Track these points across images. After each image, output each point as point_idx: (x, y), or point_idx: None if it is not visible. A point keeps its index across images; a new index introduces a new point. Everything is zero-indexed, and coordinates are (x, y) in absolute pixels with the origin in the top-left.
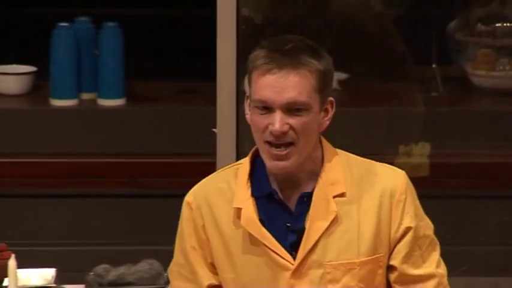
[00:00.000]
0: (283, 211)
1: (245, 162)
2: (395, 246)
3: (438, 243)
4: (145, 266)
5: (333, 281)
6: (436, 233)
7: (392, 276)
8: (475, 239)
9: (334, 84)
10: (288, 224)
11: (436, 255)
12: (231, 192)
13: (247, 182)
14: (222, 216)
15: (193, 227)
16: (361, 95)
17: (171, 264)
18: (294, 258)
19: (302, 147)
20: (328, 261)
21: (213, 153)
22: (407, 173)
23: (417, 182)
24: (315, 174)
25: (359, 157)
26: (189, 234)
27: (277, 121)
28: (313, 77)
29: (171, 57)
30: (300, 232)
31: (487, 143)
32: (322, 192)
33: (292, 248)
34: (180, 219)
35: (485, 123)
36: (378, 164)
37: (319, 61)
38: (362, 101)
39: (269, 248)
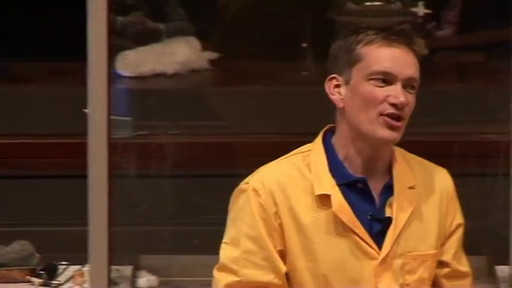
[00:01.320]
0: (365, 200)
1: (316, 149)
2: (446, 241)
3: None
4: (17, 247)
5: (410, 271)
6: None
7: (443, 272)
8: None
9: (206, 64)
10: (371, 214)
11: (464, 253)
12: (305, 181)
13: (328, 169)
14: (299, 204)
15: (263, 214)
16: (233, 74)
17: (235, 253)
18: (379, 248)
19: (404, 125)
20: (408, 252)
21: (84, 133)
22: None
23: None
24: (388, 165)
25: (405, 151)
26: (260, 220)
27: (401, 93)
28: (418, 60)
29: (40, 37)
30: (383, 221)
31: None
32: (401, 183)
33: (377, 238)
34: (246, 205)
35: None
36: (424, 160)
37: (424, 46)
38: (234, 81)
39: (358, 236)
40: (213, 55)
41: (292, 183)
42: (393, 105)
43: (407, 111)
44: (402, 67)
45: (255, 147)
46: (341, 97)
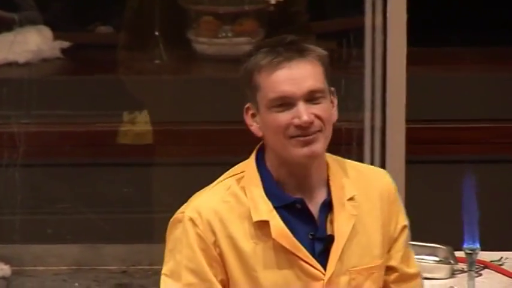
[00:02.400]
0: (305, 220)
1: (249, 171)
2: (392, 245)
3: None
4: None
5: (357, 286)
6: (161, 201)
7: (391, 277)
8: None
9: (57, 53)
10: (312, 233)
11: (412, 253)
12: (242, 206)
13: (263, 193)
14: (238, 232)
15: (202, 245)
16: (85, 63)
17: (174, 287)
18: (324, 268)
19: (326, 134)
20: (353, 267)
21: None
22: (131, 139)
23: (142, 149)
24: (324, 180)
25: (345, 159)
26: (199, 251)
27: (303, 112)
28: (320, 64)
29: None
30: (325, 240)
31: (210, 110)
32: (338, 198)
33: (320, 257)
34: (183, 237)
35: (208, 90)
36: (361, 164)
37: (319, 48)
38: (86, 69)
39: (301, 259)
40: (64, 44)
41: (229, 210)
42: (298, 126)
43: (321, 124)
44: (297, 85)
45: (105, 136)
46: (258, 125)
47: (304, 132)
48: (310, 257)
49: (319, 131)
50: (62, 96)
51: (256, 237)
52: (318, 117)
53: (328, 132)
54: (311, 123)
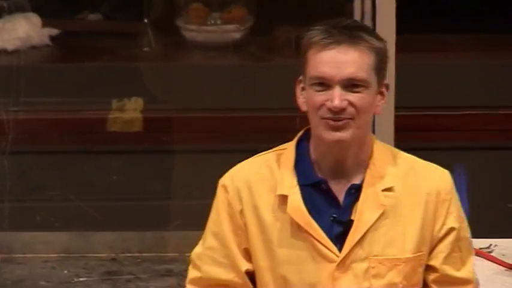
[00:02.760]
0: (329, 202)
1: (289, 148)
2: (436, 245)
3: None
4: None
5: (377, 276)
6: (150, 189)
7: (431, 277)
8: (189, 193)
9: (46, 40)
10: (334, 216)
11: (472, 259)
12: (273, 179)
13: (293, 169)
14: (263, 203)
15: (229, 211)
16: (74, 50)
17: (200, 248)
18: (339, 251)
19: (359, 123)
20: (374, 256)
21: None
22: (120, 127)
23: (131, 137)
24: (363, 166)
25: (404, 153)
26: (225, 218)
27: (337, 97)
28: (372, 55)
29: None
30: (346, 224)
31: (199, 98)
32: (371, 185)
33: (337, 240)
34: (215, 202)
35: (197, 78)
36: (422, 161)
37: (377, 39)
38: (75, 57)
39: (315, 239)
40: (53, 31)
41: (260, 181)
42: (330, 109)
43: (353, 112)
44: (338, 69)
45: (94, 123)
46: (304, 100)
47: (334, 116)
48: (325, 237)
49: (351, 118)
50: (51, 83)
51: (278, 210)
52: (352, 104)
53: (362, 122)
54: (342, 109)
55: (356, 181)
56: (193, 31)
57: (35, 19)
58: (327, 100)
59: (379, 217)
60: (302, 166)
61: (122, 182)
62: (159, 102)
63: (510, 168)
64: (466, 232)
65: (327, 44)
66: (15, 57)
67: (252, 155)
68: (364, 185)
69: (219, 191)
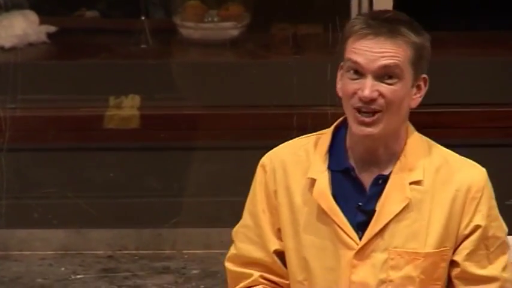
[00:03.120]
0: (356, 189)
1: (327, 133)
2: (461, 242)
3: (508, 247)
4: None
5: (395, 267)
6: (148, 186)
7: (454, 272)
8: (186, 190)
9: (43, 38)
10: (360, 204)
11: (504, 258)
12: (308, 162)
13: (326, 154)
14: (295, 185)
15: (265, 191)
16: (71, 47)
17: (238, 225)
18: (360, 239)
19: (390, 116)
20: (394, 247)
21: None
22: (117, 124)
23: (128, 134)
24: (395, 157)
25: (442, 147)
26: (261, 197)
27: (368, 86)
28: (409, 49)
29: None
30: (369, 213)
31: (196, 95)
32: (399, 177)
33: (359, 228)
34: (254, 180)
35: (194, 75)
36: (459, 156)
37: (417, 35)
38: (72, 54)
39: (337, 224)
40: (50, 29)
41: (295, 163)
42: (360, 99)
43: (383, 104)
44: (371, 58)
45: (91, 121)
46: (340, 87)
47: (365, 106)
48: (347, 223)
49: (381, 111)
50: (48, 80)
51: (307, 193)
52: (383, 96)
53: (393, 115)
54: (373, 100)
55: (385, 172)
56: (190, 28)
57: (32, 16)
58: (359, 89)
59: (403, 209)
60: (336, 152)
61: (119, 179)
62: (156, 99)
63: (508, 165)
64: (498, 231)
65: (366, 34)
66: (12, 55)
67: (250, 153)
68: (392, 176)
69: (258, 170)
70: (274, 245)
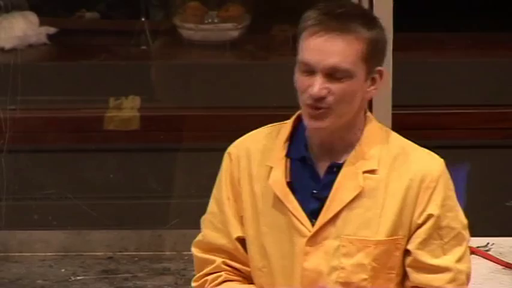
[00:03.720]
0: (313, 178)
1: (289, 122)
2: (415, 231)
3: (467, 239)
4: None
5: (347, 255)
6: (148, 187)
7: (407, 261)
8: (186, 191)
9: (43, 39)
10: (314, 191)
11: (460, 250)
12: (270, 150)
13: (285, 142)
14: (257, 173)
15: (230, 178)
16: (71, 49)
17: (206, 213)
18: (313, 226)
19: (340, 111)
20: (346, 235)
21: None
22: (117, 125)
23: (128, 135)
24: (351, 146)
25: (401, 137)
26: (226, 184)
27: (317, 85)
28: (361, 45)
29: None
30: (323, 201)
31: (196, 96)
32: (352, 165)
33: (313, 216)
34: (220, 168)
35: (195, 76)
36: (418, 147)
37: (370, 29)
38: (72, 55)
39: (290, 212)
40: (50, 30)
41: (258, 151)
42: (310, 95)
43: (331, 102)
44: (322, 57)
45: (91, 122)
46: (295, 80)
47: (314, 103)
48: (300, 210)
49: (329, 108)
50: (48, 82)
51: (266, 181)
52: (331, 93)
53: (343, 110)
54: (321, 97)
55: (340, 160)
56: (190, 29)
57: (32, 17)
58: (309, 86)
59: (356, 197)
60: (296, 141)
61: (119, 180)
62: (156, 100)
63: (508, 166)
64: (453, 222)
65: (316, 31)
66: (12, 56)
67: None
68: (345, 165)
69: (224, 158)
70: (236, 232)
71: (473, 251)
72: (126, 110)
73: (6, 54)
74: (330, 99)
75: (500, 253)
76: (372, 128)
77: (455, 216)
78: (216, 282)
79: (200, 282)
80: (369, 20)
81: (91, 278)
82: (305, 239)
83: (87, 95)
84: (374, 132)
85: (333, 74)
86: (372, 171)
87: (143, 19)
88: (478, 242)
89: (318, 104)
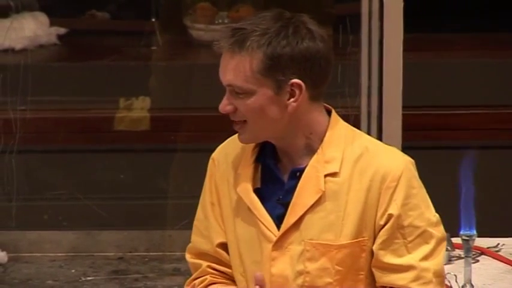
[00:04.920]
0: (277, 183)
1: None
2: (378, 232)
3: (436, 236)
4: None
5: (311, 259)
6: (158, 187)
7: (372, 261)
8: (196, 192)
9: (54, 39)
10: (280, 197)
11: (426, 248)
12: (247, 155)
13: (255, 148)
14: (233, 178)
15: (214, 183)
16: (82, 49)
17: (195, 218)
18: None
19: (256, 126)
20: (309, 239)
21: None
22: (127, 126)
23: (138, 135)
24: (312, 151)
25: (369, 137)
26: (210, 190)
27: (222, 102)
28: (257, 61)
29: None
30: (287, 206)
31: (206, 96)
32: (314, 169)
33: (279, 221)
34: (206, 174)
35: (205, 77)
36: (383, 146)
37: (269, 44)
38: (82, 56)
39: (257, 218)
40: (60, 30)
41: (235, 156)
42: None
43: (242, 116)
44: (221, 74)
45: (101, 122)
46: None
47: (230, 117)
48: (266, 216)
49: (244, 122)
50: (58, 82)
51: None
52: (239, 109)
53: (260, 123)
54: (228, 112)
55: (302, 165)
56: (200, 30)
57: (43, 18)
58: None
59: (318, 201)
60: (264, 146)
61: (129, 180)
62: (166, 101)
63: None
64: (416, 220)
65: (218, 48)
66: (22, 56)
67: None
68: (307, 169)
69: (209, 163)
70: (218, 237)
71: (483, 252)
72: (136, 111)
73: (16, 55)
74: (239, 114)
75: (511, 254)
76: (336, 130)
77: (420, 215)
78: (201, 285)
79: (190, 286)
80: (273, 34)
81: (101, 279)
82: (271, 245)
83: (97, 95)
84: (338, 134)
85: (234, 91)
86: (333, 174)
87: (153, 19)
88: (488, 242)
89: (232, 118)
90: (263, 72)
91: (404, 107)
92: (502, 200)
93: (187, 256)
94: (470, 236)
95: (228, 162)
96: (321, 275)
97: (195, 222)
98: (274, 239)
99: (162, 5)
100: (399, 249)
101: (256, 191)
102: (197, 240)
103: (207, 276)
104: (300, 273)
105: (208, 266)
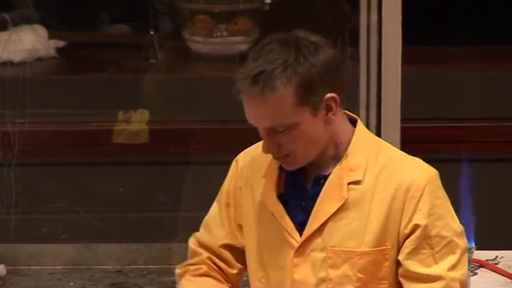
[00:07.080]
0: (301, 189)
1: None
2: (404, 241)
3: (461, 247)
4: None
5: (333, 266)
6: (157, 200)
7: (399, 271)
8: (195, 204)
9: (52, 52)
10: (303, 203)
11: (453, 258)
12: (272, 161)
13: None
14: (257, 183)
15: (234, 185)
16: (80, 62)
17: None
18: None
19: (304, 153)
20: (331, 246)
21: None
22: (125, 138)
23: (137, 148)
24: (336, 159)
25: (393, 147)
26: (228, 191)
27: (264, 144)
28: (289, 96)
29: None
30: (309, 212)
31: (205, 109)
32: (337, 177)
33: (302, 227)
34: (228, 174)
35: (203, 89)
36: (408, 157)
37: (294, 74)
38: (81, 68)
39: (280, 224)
40: (59, 43)
41: (263, 161)
42: None
43: (288, 149)
44: (257, 122)
45: (100, 135)
46: None
47: (274, 156)
48: (289, 223)
49: (288, 154)
50: (57, 95)
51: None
52: (284, 144)
53: (307, 148)
54: (274, 152)
55: (326, 172)
56: (199, 43)
57: (41, 31)
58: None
59: (340, 209)
60: None
61: (127, 193)
62: (164, 113)
63: None
64: (443, 230)
65: (243, 96)
66: (21, 69)
67: None
68: (330, 176)
69: (232, 165)
70: (224, 238)
71: (482, 264)
72: (135, 123)
73: (15, 68)
74: (284, 149)
75: (509, 266)
76: (361, 140)
77: (446, 225)
78: (196, 273)
79: (182, 270)
80: (294, 63)
81: None
82: (293, 251)
83: (96, 108)
84: (363, 143)
85: (275, 130)
86: (356, 182)
87: (152, 32)
88: (487, 255)
89: (276, 156)
90: (299, 102)
91: (403, 120)
92: (500, 212)
93: (191, 241)
94: (469, 249)
95: (254, 167)
96: (342, 282)
97: (206, 217)
98: (297, 245)
99: (160, 18)
100: (426, 259)
101: (279, 197)
102: (204, 234)
103: (204, 266)
104: (322, 280)
105: (209, 258)
